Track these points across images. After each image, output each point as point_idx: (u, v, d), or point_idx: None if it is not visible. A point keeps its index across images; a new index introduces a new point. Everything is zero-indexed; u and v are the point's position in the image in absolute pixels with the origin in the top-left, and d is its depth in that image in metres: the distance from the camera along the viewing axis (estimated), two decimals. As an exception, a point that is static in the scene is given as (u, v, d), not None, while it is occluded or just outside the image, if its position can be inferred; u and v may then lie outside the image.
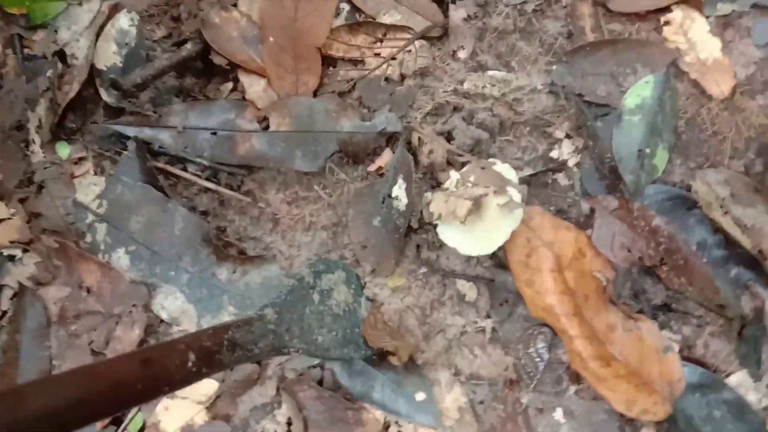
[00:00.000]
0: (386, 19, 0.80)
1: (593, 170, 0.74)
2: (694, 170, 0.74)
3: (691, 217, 0.71)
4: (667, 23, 0.79)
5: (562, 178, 0.74)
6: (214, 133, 0.79)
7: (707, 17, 0.77)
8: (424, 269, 0.74)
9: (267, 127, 0.77)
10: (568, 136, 0.75)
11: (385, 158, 0.76)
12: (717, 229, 0.70)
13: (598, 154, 0.74)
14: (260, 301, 0.72)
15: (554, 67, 0.77)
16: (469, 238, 0.66)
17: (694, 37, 0.77)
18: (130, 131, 0.80)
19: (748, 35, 0.76)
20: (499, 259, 0.71)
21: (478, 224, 0.65)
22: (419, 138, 0.75)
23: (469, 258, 0.71)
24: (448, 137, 0.75)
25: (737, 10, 0.77)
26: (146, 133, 0.79)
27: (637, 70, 0.76)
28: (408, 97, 0.78)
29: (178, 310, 0.76)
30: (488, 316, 0.71)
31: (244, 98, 0.80)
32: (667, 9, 0.78)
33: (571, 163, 0.73)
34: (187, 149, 0.79)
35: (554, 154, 0.74)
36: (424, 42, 0.80)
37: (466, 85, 0.77)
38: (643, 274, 0.70)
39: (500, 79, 0.77)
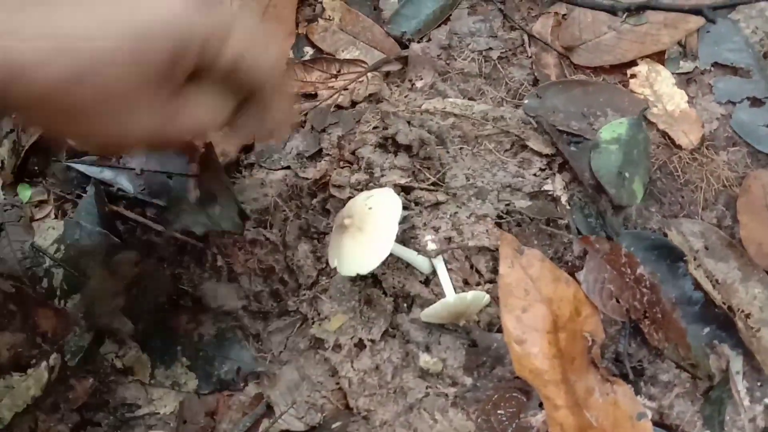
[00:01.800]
0: (344, 56, 0.80)
1: (582, 203, 0.72)
2: (669, 218, 0.72)
3: (675, 269, 0.69)
4: (633, 76, 0.79)
5: (550, 213, 0.71)
6: (170, 177, 0.78)
7: (671, 73, 0.77)
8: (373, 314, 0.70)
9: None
10: (547, 162, 0.72)
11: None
12: (697, 285, 0.68)
13: (577, 171, 0.72)
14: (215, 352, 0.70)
15: (526, 100, 0.76)
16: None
17: (660, 89, 0.77)
18: (91, 171, 0.79)
19: (710, 92, 0.77)
20: (488, 320, 0.68)
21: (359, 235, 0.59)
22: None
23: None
24: (394, 149, 0.72)
25: (699, 68, 0.78)
26: (106, 174, 0.78)
27: (608, 113, 0.76)
28: (356, 116, 0.77)
29: (132, 359, 0.73)
30: (454, 384, 0.67)
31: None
32: (632, 63, 0.79)
33: (563, 199, 0.71)
34: (145, 191, 0.78)
35: (546, 187, 0.71)
36: (377, 73, 0.80)
37: (423, 107, 0.76)
38: (632, 334, 0.67)
39: (462, 104, 0.76)
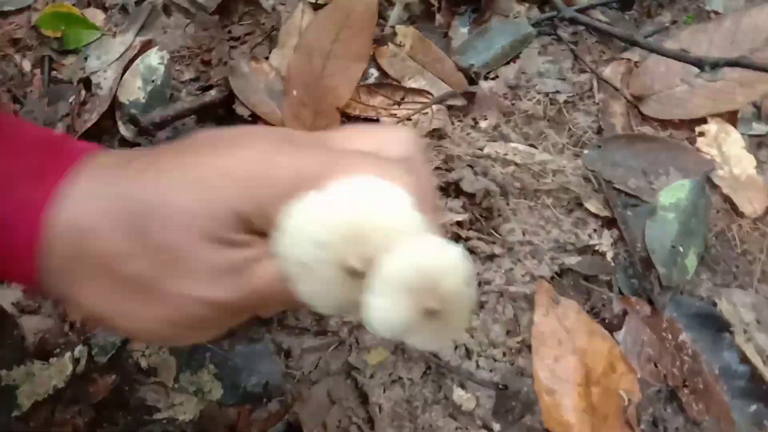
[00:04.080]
0: (410, 84, 0.79)
1: (626, 263, 0.69)
2: (720, 287, 0.70)
3: (719, 339, 0.67)
4: (701, 134, 0.77)
5: (598, 269, 0.69)
6: None
7: (742, 134, 0.74)
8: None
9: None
10: (601, 222, 0.70)
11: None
12: (744, 358, 0.66)
13: (628, 241, 0.70)
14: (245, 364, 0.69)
15: (586, 151, 0.75)
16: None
17: (728, 151, 0.74)
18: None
19: (782, 159, 0.74)
20: (517, 364, 0.66)
21: None
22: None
23: (470, 353, 0.66)
24: (455, 191, 0.71)
25: (772, 132, 0.74)
26: None
27: (670, 172, 0.74)
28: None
29: (158, 360, 0.72)
30: (484, 427, 0.65)
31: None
32: (702, 120, 0.76)
33: (608, 256, 0.69)
34: None
35: (593, 242, 0.69)
36: (442, 107, 0.78)
37: (485, 150, 0.74)
38: (668, 398, 0.65)
39: (524, 150, 0.74)
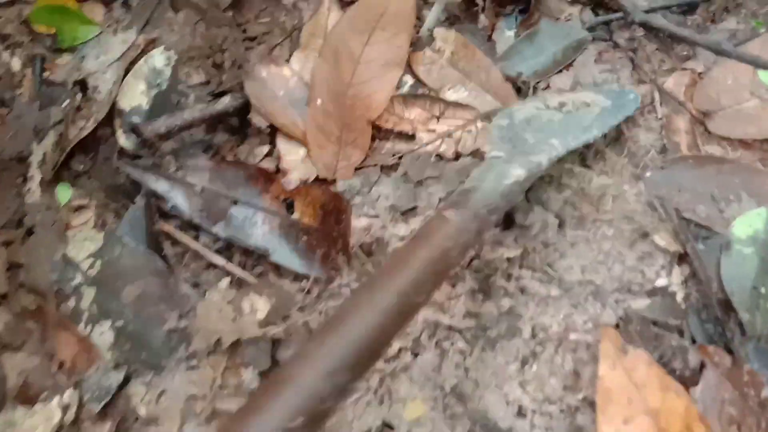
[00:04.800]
0: (450, 95, 0.70)
1: (700, 306, 0.60)
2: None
3: None
4: (775, 155, 0.67)
5: (668, 313, 0.60)
6: (235, 203, 0.67)
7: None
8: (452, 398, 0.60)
9: (292, 211, 0.66)
10: (670, 257, 0.61)
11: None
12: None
13: (703, 280, 0.61)
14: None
15: (648, 173, 0.65)
16: None
17: (808, 175, 0.65)
18: (144, 178, 0.68)
19: None
20: (576, 423, 0.57)
21: None
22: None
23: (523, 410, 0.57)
24: (505, 222, 0.62)
25: None
26: (161, 185, 0.68)
27: (742, 198, 0.65)
28: (461, 174, 0.66)
29: (160, 409, 0.63)
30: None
31: (278, 168, 0.69)
32: (775, 139, 0.67)
33: (679, 296, 0.60)
34: (203, 213, 0.67)
35: (660, 282, 0.60)
36: (487, 124, 0.69)
37: (537, 173, 0.65)
38: None
39: (580, 173, 0.65)
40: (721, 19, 0.77)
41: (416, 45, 0.71)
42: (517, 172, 0.56)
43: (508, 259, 0.59)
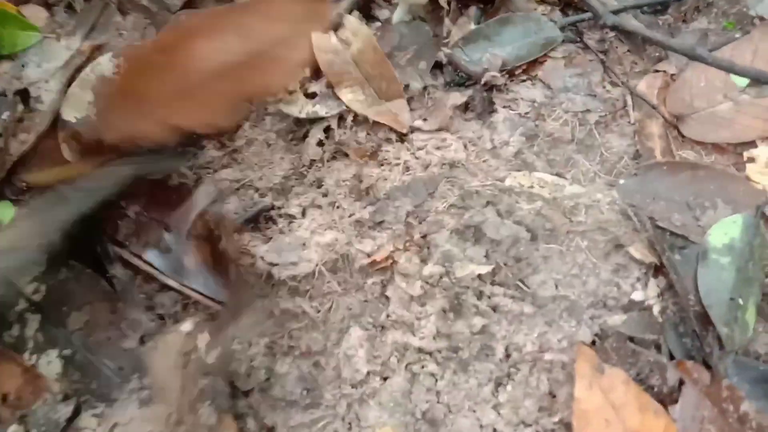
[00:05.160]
0: (345, 94, 0.67)
1: (677, 319, 0.58)
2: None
3: None
4: (751, 160, 0.66)
5: (645, 328, 0.57)
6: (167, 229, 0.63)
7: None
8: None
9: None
10: (645, 269, 0.59)
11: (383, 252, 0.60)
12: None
13: (679, 292, 0.59)
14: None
15: (621, 181, 0.63)
16: None
17: (781, 180, 0.63)
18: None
19: None
20: None
21: None
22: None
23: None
24: (475, 236, 0.59)
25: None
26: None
27: (718, 205, 0.63)
28: (429, 186, 0.63)
29: (114, 442, 0.59)
30: None
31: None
32: (751, 144, 0.66)
33: (656, 310, 0.57)
34: (135, 239, 0.63)
35: (636, 296, 0.58)
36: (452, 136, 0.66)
37: (507, 182, 0.62)
38: None
39: (551, 182, 0.63)
40: (692, 18, 0.75)
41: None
42: None
43: (479, 276, 0.56)
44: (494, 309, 0.57)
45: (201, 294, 0.63)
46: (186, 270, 0.62)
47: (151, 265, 0.62)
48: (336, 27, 0.67)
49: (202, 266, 0.61)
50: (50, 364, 0.61)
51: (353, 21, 0.68)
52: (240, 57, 0.59)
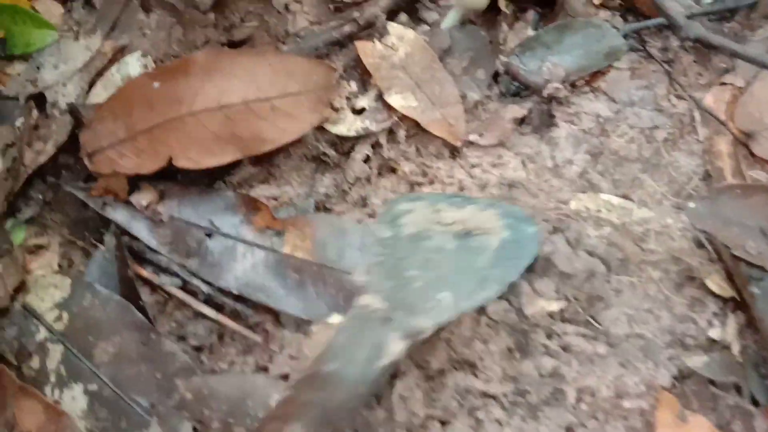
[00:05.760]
0: (395, 100, 0.62)
1: (758, 358, 0.54)
2: None
3: None
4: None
5: (725, 370, 0.53)
6: (209, 235, 0.58)
7: None
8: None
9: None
10: (722, 303, 0.54)
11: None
12: None
13: (761, 331, 0.54)
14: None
15: (690, 204, 0.59)
16: None
17: None
18: (105, 209, 0.59)
19: None
20: None
21: None
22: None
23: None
24: (543, 267, 0.54)
25: None
26: (120, 214, 0.58)
27: (793, 232, 0.58)
28: None
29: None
30: None
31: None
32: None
33: (735, 349, 0.53)
34: (172, 246, 0.58)
35: (714, 333, 0.53)
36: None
37: (572, 205, 0.58)
38: None
39: (618, 205, 0.58)
40: (759, 26, 0.70)
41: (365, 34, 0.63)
42: (396, 347, 0.44)
43: (550, 314, 0.51)
44: (565, 349, 0.52)
45: (239, 323, 0.58)
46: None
47: (194, 275, 0.57)
48: (382, 34, 0.62)
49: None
50: (74, 400, 0.56)
51: (397, 27, 0.63)
52: (241, 102, 0.58)
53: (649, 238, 0.57)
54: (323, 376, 0.44)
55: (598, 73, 0.64)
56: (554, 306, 0.52)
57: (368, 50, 0.61)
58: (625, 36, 0.66)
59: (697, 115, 0.64)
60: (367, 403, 0.50)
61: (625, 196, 0.60)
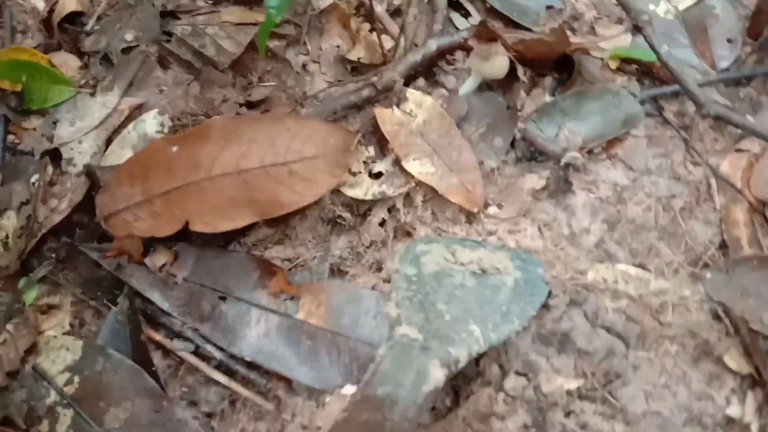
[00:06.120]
0: (413, 166, 0.62)
1: None
2: None
3: None
4: None
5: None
6: (223, 298, 0.58)
7: None
8: None
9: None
10: (740, 379, 0.54)
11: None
12: None
13: None
14: None
15: (708, 274, 0.58)
16: None
17: None
18: (125, 274, 0.58)
19: None
20: None
21: None
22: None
23: None
24: (561, 343, 0.54)
25: None
26: (135, 278, 0.58)
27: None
28: None
29: None
30: None
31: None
32: None
33: (754, 427, 0.53)
34: (184, 309, 0.58)
35: (732, 411, 0.53)
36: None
37: (589, 276, 0.57)
38: None
39: (635, 276, 0.58)
40: (775, 91, 0.70)
41: (383, 97, 0.63)
42: (438, 374, 0.47)
43: (568, 392, 0.51)
44: (582, 427, 0.51)
45: (251, 389, 0.57)
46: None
47: (207, 340, 0.57)
48: (398, 99, 0.62)
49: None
50: (84, 467, 0.55)
51: (415, 93, 0.63)
52: (259, 167, 0.58)
53: (666, 311, 0.57)
54: (377, 398, 0.46)
55: (615, 140, 0.64)
56: (572, 384, 0.51)
57: (387, 117, 0.61)
58: (642, 102, 0.66)
59: (713, 182, 0.64)
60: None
61: (641, 266, 0.60)
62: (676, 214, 0.62)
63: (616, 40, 0.69)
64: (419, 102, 0.62)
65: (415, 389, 0.47)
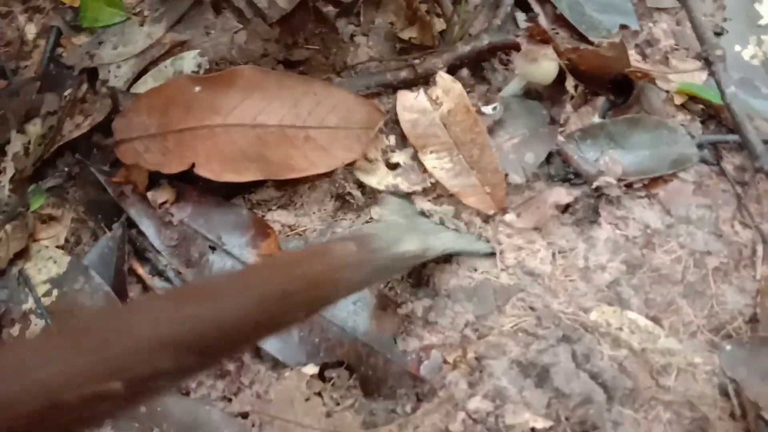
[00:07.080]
0: (429, 161, 0.60)
1: None
2: None
3: None
4: None
5: None
6: (213, 248, 0.56)
7: None
8: None
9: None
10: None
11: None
12: None
13: None
14: None
15: (728, 346, 0.53)
16: None
17: None
18: (125, 202, 0.58)
19: None
20: None
21: None
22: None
23: None
24: (539, 377, 0.49)
25: None
26: (134, 209, 0.57)
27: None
28: (499, 295, 0.53)
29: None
30: None
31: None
32: None
33: None
34: (174, 249, 0.56)
35: None
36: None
37: (592, 316, 0.52)
38: None
39: (645, 328, 0.52)
40: None
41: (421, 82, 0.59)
42: (415, 244, 0.49)
43: (533, 429, 0.46)
44: (542, 475, 0.47)
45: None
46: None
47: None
48: (431, 84, 0.59)
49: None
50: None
51: (446, 78, 0.59)
52: (276, 125, 0.57)
53: (669, 374, 0.51)
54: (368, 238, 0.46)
55: (659, 179, 0.59)
56: (540, 423, 0.46)
57: (408, 102, 0.58)
58: (700, 146, 0.60)
59: (760, 249, 0.58)
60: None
61: (654, 319, 0.54)
62: (708, 273, 0.56)
63: (688, 75, 0.63)
64: (447, 89, 0.59)
65: (395, 243, 0.47)
